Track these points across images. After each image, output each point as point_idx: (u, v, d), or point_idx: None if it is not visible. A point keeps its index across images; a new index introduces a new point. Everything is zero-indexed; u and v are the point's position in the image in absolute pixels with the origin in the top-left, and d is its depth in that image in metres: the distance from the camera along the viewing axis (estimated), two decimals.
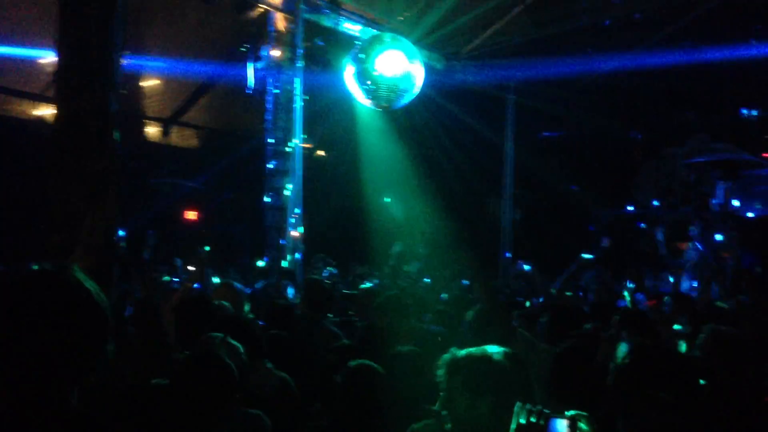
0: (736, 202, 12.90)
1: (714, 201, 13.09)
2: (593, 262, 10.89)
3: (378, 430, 3.21)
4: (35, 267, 1.57)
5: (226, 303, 4.89)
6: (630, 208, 15.34)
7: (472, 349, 2.71)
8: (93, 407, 1.99)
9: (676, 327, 5.12)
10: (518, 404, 2.12)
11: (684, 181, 14.44)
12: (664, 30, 12.04)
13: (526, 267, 10.35)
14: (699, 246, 11.11)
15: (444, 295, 8.16)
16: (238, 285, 5.87)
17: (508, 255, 14.21)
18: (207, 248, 7.70)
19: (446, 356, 2.71)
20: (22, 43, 10.10)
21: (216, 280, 7.48)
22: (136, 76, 12.11)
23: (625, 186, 15.80)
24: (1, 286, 1.53)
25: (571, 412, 2.09)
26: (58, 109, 5.37)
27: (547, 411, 2.06)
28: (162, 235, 10.66)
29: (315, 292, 5.55)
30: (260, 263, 10.15)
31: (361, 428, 3.23)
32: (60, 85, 5.32)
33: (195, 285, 5.59)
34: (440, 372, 2.68)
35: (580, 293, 8.79)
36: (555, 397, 3.12)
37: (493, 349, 2.69)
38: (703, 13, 11.24)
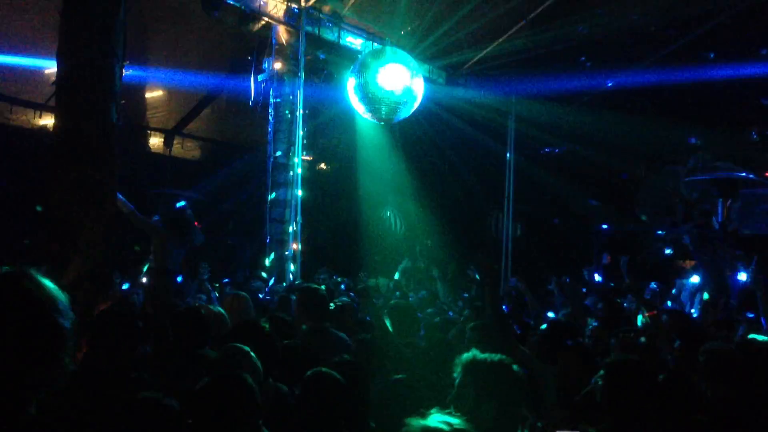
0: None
1: (715, 219, 13.05)
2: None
3: None
4: None
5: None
6: (631, 225, 15.34)
7: (492, 355, 2.79)
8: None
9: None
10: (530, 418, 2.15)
11: (686, 199, 14.40)
12: (667, 47, 12.07)
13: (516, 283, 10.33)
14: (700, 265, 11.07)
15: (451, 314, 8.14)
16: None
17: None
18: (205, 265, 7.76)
19: (466, 355, 2.79)
20: (27, 53, 10.17)
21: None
22: (140, 88, 12.19)
23: (627, 203, 15.79)
24: None
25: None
26: (58, 118, 5.41)
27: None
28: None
29: (311, 301, 5.44)
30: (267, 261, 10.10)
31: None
32: (60, 95, 5.36)
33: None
34: (456, 368, 2.76)
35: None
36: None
37: (510, 360, 2.78)
38: (707, 31, 11.27)
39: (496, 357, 2.82)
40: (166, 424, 2.50)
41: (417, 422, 1.93)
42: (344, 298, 6.92)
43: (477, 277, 8.96)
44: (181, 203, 7.98)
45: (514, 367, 2.80)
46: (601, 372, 3.17)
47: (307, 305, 5.30)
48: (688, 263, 12.08)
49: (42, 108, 11.64)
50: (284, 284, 9.35)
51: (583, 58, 12.02)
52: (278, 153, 10.32)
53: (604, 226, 15.79)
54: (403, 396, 3.71)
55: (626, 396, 2.97)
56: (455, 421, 1.93)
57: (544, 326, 5.21)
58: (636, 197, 15.78)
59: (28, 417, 1.46)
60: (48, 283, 1.54)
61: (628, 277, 7.84)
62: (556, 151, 15.94)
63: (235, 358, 3.38)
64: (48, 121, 11.49)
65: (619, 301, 7.85)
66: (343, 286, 9.57)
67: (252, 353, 3.43)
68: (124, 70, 5.72)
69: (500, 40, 11.55)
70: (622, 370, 3.08)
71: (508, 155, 14.37)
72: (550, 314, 7.91)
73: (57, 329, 1.49)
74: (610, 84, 12.70)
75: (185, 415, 2.60)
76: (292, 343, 4.56)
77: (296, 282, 9.41)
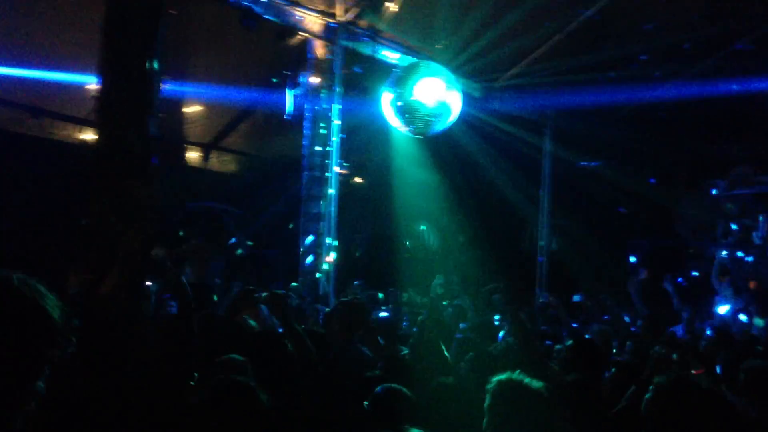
0: None
1: (756, 234, 12.79)
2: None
3: None
4: None
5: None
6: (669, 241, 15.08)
7: (525, 378, 2.78)
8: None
9: None
10: None
11: (726, 214, 14.13)
12: (707, 59, 11.89)
13: (548, 298, 10.21)
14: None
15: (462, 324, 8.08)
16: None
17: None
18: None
19: (500, 377, 2.79)
20: (69, 69, 10.39)
21: None
22: (178, 102, 12.36)
23: (665, 218, 15.54)
24: None
25: None
26: (99, 133, 5.50)
27: None
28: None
29: (349, 314, 5.40)
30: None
31: None
32: (101, 110, 5.45)
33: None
34: (486, 394, 2.77)
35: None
36: None
37: (539, 384, 2.76)
38: (747, 44, 11.09)
39: (517, 377, 2.81)
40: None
41: None
42: (382, 313, 6.91)
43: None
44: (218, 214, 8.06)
45: (535, 386, 2.78)
46: (650, 388, 3.09)
47: (347, 319, 5.26)
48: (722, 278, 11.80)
49: (83, 123, 11.86)
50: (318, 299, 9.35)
51: (623, 71, 11.85)
52: (313, 166, 10.38)
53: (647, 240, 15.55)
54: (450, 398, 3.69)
55: (674, 413, 2.89)
56: None
57: (569, 342, 5.13)
58: (675, 212, 15.52)
59: (26, 415, 1.43)
60: (37, 285, 1.50)
61: (677, 297, 7.70)
62: (593, 164, 15.76)
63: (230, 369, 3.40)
64: (89, 135, 11.71)
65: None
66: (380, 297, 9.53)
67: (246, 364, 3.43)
68: (162, 85, 5.80)
69: (537, 52, 11.49)
70: (673, 388, 3.00)
71: (544, 168, 14.25)
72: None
73: (39, 336, 1.45)
74: (649, 97, 12.52)
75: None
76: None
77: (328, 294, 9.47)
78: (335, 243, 10.24)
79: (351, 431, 3.61)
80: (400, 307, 10.13)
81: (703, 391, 2.92)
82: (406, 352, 5.23)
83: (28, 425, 1.45)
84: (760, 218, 12.77)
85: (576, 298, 9.58)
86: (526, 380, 2.83)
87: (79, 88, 10.71)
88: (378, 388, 3.39)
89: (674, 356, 4.68)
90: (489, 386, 2.85)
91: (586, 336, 7.08)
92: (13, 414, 1.41)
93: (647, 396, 2.99)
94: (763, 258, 12.20)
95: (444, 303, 9.94)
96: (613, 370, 4.99)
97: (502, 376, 2.87)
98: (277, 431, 3.13)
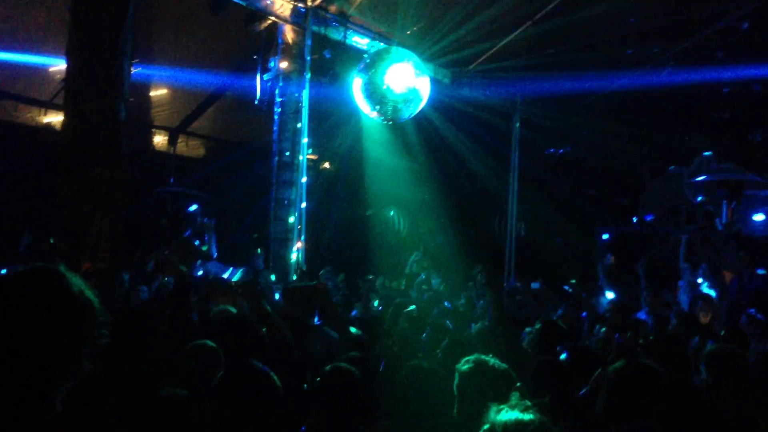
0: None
1: (718, 220, 13.05)
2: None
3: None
4: (20, 269, 1.60)
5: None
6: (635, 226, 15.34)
7: (490, 360, 2.87)
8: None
9: None
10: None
11: (690, 201, 14.40)
12: (673, 49, 12.06)
13: (518, 284, 10.36)
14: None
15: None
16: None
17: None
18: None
19: (469, 358, 2.87)
20: (32, 51, 10.19)
21: None
22: (145, 86, 12.20)
23: (630, 204, 15.79)
24: None
25: None
26: (66, 116, 5.43)
27: None
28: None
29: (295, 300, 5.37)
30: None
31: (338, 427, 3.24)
32: (68, 93, 5.38)
33: None
34: (455, 376, 2.84)
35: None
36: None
37: (504, 366, 2.85)
38: (712, 34, 11.26)
39: (483, 359, 2.92)
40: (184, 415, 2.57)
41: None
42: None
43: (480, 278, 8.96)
44: (193, 207, 8.00)
45: (502, 368, 2.88)
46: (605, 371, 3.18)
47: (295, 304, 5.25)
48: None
49: (47, 106, 11.66)
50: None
51: (591, 60, 11.98)
52: (283, 152, 10.33)
53: (606, 228, 15.78)
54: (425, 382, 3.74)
55: (623, 396, 2.98)
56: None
57: (538, 326, 5.21)
58: (640, 198, 15.78)
59: (56, 411, 1.52)
60: (78, 280, 1.61)
61: (645, 280, 7.85)
62: (560, 152, 15.94)
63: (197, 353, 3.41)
64: (53, 118, 11.52)
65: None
66: (330, 284, 9.55)
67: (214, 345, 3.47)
68: (132, 68, 5.75)
69: (506, 40, 11.55)
70: (624, 372, 3.09)
71: (512, 155, 14.36)
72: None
73: (83, 319, 1.57)
74: (616, 85, 12.68)
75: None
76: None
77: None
78: (304, 229, 10.22)
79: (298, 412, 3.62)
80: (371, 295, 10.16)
81: (655, 374, 3.01)
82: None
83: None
84: (723, 204, 13.02)
85: (534, 285, 9.72)
86: (492, 362, 2.93)
87: (43, 70, 10.52)
88: (326, 367, 3.42)
89: (641, 341, 4.79)
90: (458, 366, 2.94)
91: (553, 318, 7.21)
92: (54, 391, 1.52)
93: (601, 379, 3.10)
94: (725, 244, 12.44)
95: (422, 276, 10.04)
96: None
97: (471, 358, 2.97)
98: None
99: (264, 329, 3.92)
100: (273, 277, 9.81)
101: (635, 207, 15.75)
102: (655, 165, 15.73)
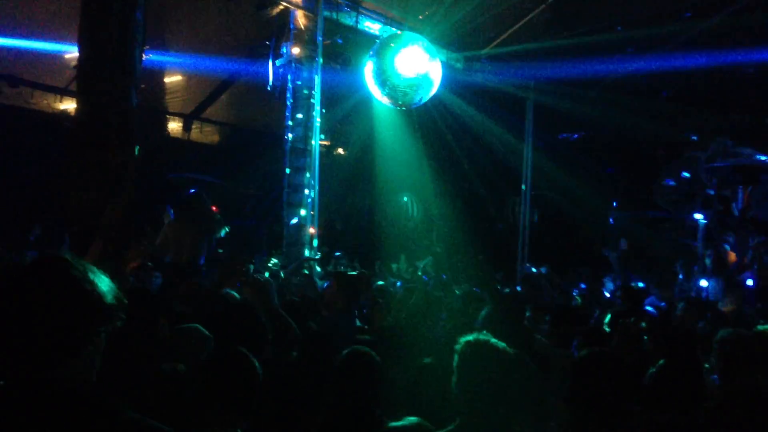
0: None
1: (735, 205, 12.95)
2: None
3: (373, 416, 3.26)
4: (35, 258, 1.75)
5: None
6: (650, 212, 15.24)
7: (491, 339, 2.90)
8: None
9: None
10: None
11: (705, 186, 14.27)
12: (688, 31, 11.91)
13: (534, 269, 10.36)
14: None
15: (457, 291, 8.19)
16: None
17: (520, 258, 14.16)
18: None
19: (468, 338, 2.91)
20: (48, 38, 10.27)
21: None
22: (158, 73, 12.26)
23: (645, 189, 15.68)
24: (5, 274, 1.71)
25: None
26: (79, 102, 5.48)
27: None
28: None
29: (348, 286, 5.45)
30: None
31: (356, 413, 3.28)
32: (81, 80, 5.42)
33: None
34: (456, 352, 2.89)
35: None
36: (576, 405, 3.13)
37: (503, 344, 2.88)
38: (729, 15, 11.11)
39: (483, 337, 2.94)
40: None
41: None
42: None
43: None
44: (192, 191, 8.03)
45: (500, 345, 2.90)
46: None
47: (344, 289, 5.33)
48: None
49: (63, 92, 11.76)
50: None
51: (605, 43, 11.87)
52: (296, 137, 10.36)
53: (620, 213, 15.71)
54: (432, 380, 3.77)
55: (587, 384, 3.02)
56: None
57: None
58: (655, 183, 15.66)
59: (63, 381, 1.62)
60: (88, 267, 1.72)
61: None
62: (575, 136, 15.84)
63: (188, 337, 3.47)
64: (69, 105, 11.62)
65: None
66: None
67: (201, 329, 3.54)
68: (144, 55, 5.78)
69: (519, 24, 11.47)
70: (587, 361, 3.13)
71: (525, 140, 14.30)
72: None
73: (91, 302, 1.67)
74: (630, 68, 12.55)
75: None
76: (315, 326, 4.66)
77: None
78: (317, 214, 10.26)
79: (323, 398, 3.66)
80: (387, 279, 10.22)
81: (617, 366, 3.06)
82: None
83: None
84: (739, 189, 12.91)
85: (543, 270, 9.75)
86: (492, 340, 2.95)
87: (57, 57, 10.60)
88: (345, 351, 3.45)
89: (643, 324, 4.79)
90: (457, 347, 2.96)
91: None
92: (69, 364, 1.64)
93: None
94: (742, 229, 12.34)
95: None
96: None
97: (470, 337, 2.99)
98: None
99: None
100: (276, 261, 9.90)
101: (650, 192, 15.64)
102: (671, 149, 15.59)
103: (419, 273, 11.42)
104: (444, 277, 10.05)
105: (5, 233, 9.51)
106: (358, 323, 5.40)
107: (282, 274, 8.18)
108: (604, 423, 2.91)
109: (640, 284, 9.38)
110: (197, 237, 7.61)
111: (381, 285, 7.83)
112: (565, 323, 4.80)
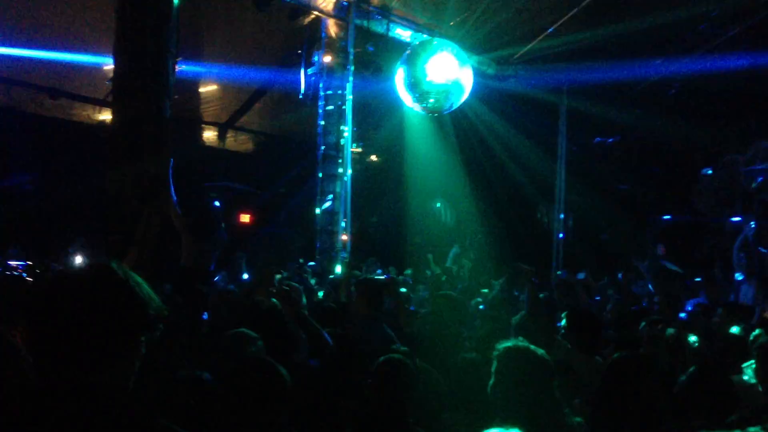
0: None
1: None
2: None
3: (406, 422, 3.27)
4: (83, 267, 1.82)
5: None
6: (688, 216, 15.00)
7: (530, 345, 2.94)
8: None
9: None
10: None
11: (745, 190, 14.00)
12: (725, 33, 11.72)
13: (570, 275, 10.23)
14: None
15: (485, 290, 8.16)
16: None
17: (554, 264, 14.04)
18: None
19: (507, 343, 2.95)
20: (87, 50, 10.51)
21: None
22: (193, 83, 12.46)
23: (683, 193, 15.43)
24: (57, 283, 1.74)
25: None
26: (115, 114, 5.62)
27: None
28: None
29: (368, 292, 5.47)
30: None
31: (388, 422, 3.29)
32: (116, 91, 5.56)
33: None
34: (495, 357, 2.99)
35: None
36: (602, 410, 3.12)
37: (542, 351, 2.92)
38: (763, 18, 10.91)
39: (522, 344, 2.99)
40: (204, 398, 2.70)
41: None
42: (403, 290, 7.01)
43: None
44: (215, 204, 8.15)
45: (539, 352, 2.95)
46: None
47: (367, 295, 5.34)
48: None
49: (102, 104, 12.01)
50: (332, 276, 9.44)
51: (639, 46, 11.73)
52: (328, 145, 10.44)
53: (665, 216, 15.44)
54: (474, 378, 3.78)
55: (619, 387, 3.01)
56: None
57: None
58: (694, 187, 15.39)
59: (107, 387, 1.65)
60: (133, 275, 1.76)
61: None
62: (609, 141, 15.66)
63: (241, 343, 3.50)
64: (107, 116, 11.86)
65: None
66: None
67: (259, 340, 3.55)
68: (177, 66, 5.89)
69: (551, 28, 11.39)
70: (621, 364, 3.11)
71: (559, 145, 14.19)
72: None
73: (136, 309, 1.72)
74: (665, 71, 12.39)
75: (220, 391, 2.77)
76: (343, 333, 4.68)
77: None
78: (350, 221, 10.31)
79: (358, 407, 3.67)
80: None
81: (650, 370, 3.04)
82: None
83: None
84: None
85: (580, 275, 9.63)
86: (532, 347, 2.99)
87: (97, 69, 10.84)
88: (380, 359, 3.47)
89: (669, 331, 4.74)
90: (496, 353, 3.00)
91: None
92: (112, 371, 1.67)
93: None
94: None
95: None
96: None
97: (509, 343, 3.03)
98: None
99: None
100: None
101: (689, 196, 15.38)
102: (709, 153, 15.32)
103: (448, 264, 11.38)
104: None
105: (47, 244, 9.74)
106: (387, 329, 5.38)
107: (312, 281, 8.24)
108: (630, 428, 2.90)
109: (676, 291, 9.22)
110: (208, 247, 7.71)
111: (404, 292, 7.82)
112: (589, 329, 4.74)
